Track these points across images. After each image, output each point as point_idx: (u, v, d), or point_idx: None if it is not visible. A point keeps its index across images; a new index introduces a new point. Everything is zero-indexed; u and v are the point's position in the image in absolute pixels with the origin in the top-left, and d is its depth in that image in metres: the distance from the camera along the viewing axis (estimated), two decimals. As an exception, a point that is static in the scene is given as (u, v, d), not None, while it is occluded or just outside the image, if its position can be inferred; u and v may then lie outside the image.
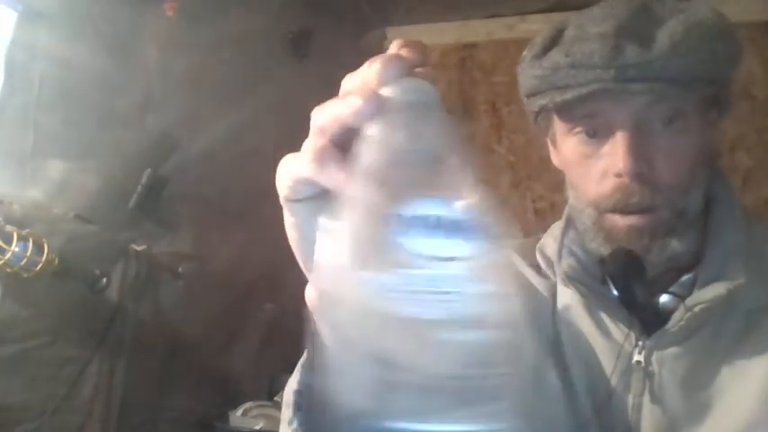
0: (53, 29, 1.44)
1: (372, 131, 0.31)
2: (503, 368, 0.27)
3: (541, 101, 0.71)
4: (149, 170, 1.61)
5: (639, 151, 0.66)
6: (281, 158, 0.36)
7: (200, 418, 1.75)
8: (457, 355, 0.27)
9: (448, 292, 0.27)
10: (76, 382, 1.44)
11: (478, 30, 2.42)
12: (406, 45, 0.34)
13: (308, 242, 0.36)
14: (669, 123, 0.67)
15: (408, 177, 0.30)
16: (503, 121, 2.36)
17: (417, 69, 0.33)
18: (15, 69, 1.39)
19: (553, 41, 0.71)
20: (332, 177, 0.32)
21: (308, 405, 0.45)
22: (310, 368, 0.45)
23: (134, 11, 1.59)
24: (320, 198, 0.34)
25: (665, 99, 0.66)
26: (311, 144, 0.34)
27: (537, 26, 2.25)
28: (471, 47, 2.43)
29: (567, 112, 0.71)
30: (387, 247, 0.28)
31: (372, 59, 0.33)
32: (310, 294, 0.41)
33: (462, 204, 0.29)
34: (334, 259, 0.30)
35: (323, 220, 0.31)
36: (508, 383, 0.27)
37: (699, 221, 0.71)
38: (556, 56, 0.68)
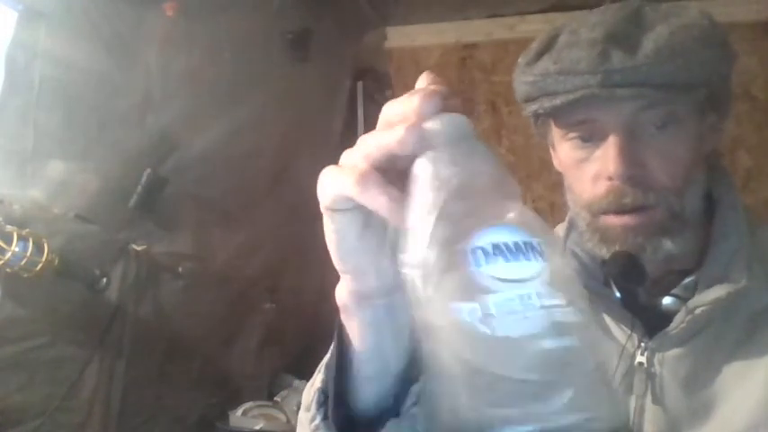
0: (53, 29, 1.43)
1: (424, 169, 0.34)
2: (582, 366, 0.30)
3: (533, 107, 0.72)
4: (149, 170, 1.61)
5: (631, 155, 0.66)
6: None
7: (200, 418, 1.75)
8: (544, 361, 0.29)
9: (530, 309, 0.30)
10: (76, 382, 1.44)
11: (478, 30, 2.42)
12: (435, 80, 0.38)
13: (346, 246, 0.40)
14: (662, 127, 0.67)
15: (467, 208, 0.33)
16: (503, 121, 2.36)
17: (449, 102, 0.36)
18: (15, 69, 1.39)
19: (546, 47, 0.72)
20: (374, 200, 0.36)
21: (333, 402, 0.46)
22: (336, 368, 0.46)
23: (134, 11, 1.59)
24: (358, 209, 0.38)
25: (654, 103, 0.66)
26: (353, 163, 0.38)
27: (537, 26, 2.25)
28: (471, 47, 2.43)
29: (560, 117, 0.72)
30: (466, 277, 0.31)
31: (412, 92, 0.36)
32: (341, 294, 0.42)
33: (517, 226, 0.32)
34: (421, 294, 0.33)
35: (403, 259, 0.34)
36: (586, 379, 0.30)
37: (700, 223, 0.71)
38: (545, 63, 0.69)
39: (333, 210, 0.39)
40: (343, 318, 0.44)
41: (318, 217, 0.41)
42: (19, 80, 1.40)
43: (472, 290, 0.30)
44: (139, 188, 1.60)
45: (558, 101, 0.67)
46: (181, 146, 1.71)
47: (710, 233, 0.71)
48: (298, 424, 0.52)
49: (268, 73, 1.95)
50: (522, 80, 0.73)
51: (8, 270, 1.24)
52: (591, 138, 0.69)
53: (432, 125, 0.35)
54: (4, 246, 1.22)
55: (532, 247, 0.31)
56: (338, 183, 0.37)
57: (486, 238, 0.31)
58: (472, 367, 0.30)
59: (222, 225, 1.85)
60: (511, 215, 0.33)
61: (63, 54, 1.45)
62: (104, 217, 1.52)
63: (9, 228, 1.25)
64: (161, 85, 1.66)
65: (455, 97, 0.37)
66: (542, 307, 0.30)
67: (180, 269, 1.70)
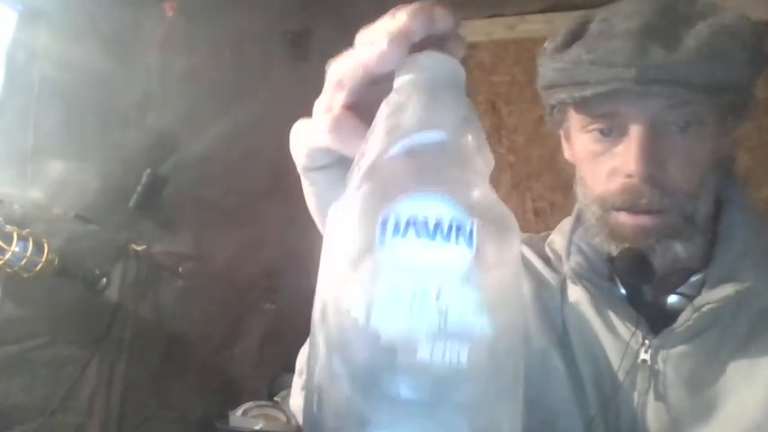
0: (53, 29, 1.44)
1: (388, 103, 0.29)
2: (464, 392, 0.24)
3: (560, 95, 0.69)
4: (149, 170, 1.61)
5: (653, 154, 0.65)
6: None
7: (201, 418, 1.75)
8: (412, 373, 0.24)
9: (420, 306, 0.24)
10: (76, 382, 1.44)
11: (478, 30, 2.42)
12: (432, 7, 0.31)
13: (327, 209, 0.35)
14: (685, 127, 0.66)
15: (411, 166, 0.27)
16: (503, 121, 2.36)
17: (448, 40, 0.31)
18: (15, 69, 1.39)
19: (576, 35, 0.69)
20: (352, 147, 0.30)
21: None
22: None
23: (134, 11, 1.59)
24: (339, 165, 0.33)
25: (683, 103, 0.64)
26: (326, 106, 0.32)
27: (537, 26, 2.25)
28: (471, 47, 2.43)
29: (584, 108, 0.70)
30: (366, 248, 0.25)
31: (395, 9, 0.30)
32: None
33: (450, 199, 0.25)
34: (327, 246, 0.27)
35: (333, 209, 0.28)
36: (463, 410, 0.24)
37: (708, 224, 0.70)
38: (578, 50, 0.67)
39: (309, 169, 0.34)
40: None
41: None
42: (19, 80, 1.40)
43: (367, 264, 0.25)
44: (139, 188, 1.60)
45: (588, 92, 0.65)
46: (181, 146, 1.71)
47: (717, 233, 0.70)
48: (292, 389, 0.51)
49: (268, 73, 1.95)
50: (551, 66, 0.70)
51: (8, 270, 1.24)
52: (611, 131, 0.68)
53: (418, 58, 0.29)
54: (4, 246, 1.22)
55: (460, 229, 0.25)
56: (310, 134, 0.33)
57: (407, 206, 0.25)
58: (339, 350, 0.25)
59: (222, 225, 1.85)
60: (456, 187, 0.26)
61: (63, 54, 1.45)
62: (104, 217, 1.52)
63: (9, 228, 1.25)
64: (161, 85, 1.66)
65: (458, 38, 0.31)
66: (437, 307, 0.24)
67: (180, 269, 1.70)
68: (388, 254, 0.24)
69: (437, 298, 0.24)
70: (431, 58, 0.29)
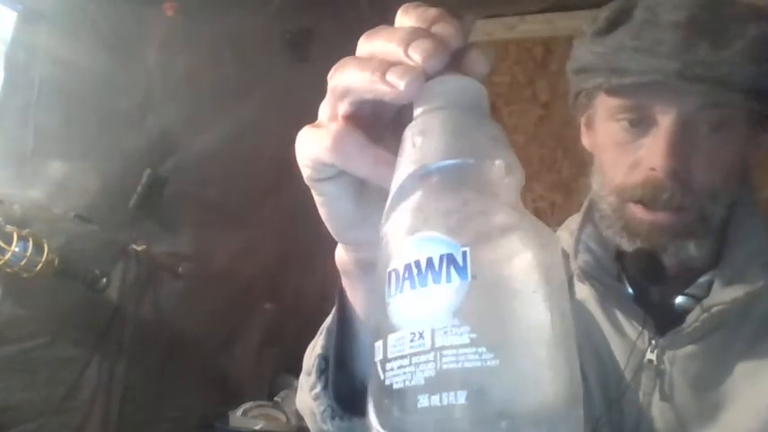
0: (53, 29, 1.43)
1: (407, 139, 0.28)
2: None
3: (596, 79, 0.68)
4: (149, 170, 1.62)
5: (681, 150, 0.63)
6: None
7: (200, 418, 1.75)
8: (417, 423, 0.23)
9: (418, 352, 0.24)
10: (76, 382, 1.44)
11: (478, 30, 2.42)
12: (445, 21, 0.29)
13: (341, 219, 0.34)
14: (717, 129, 0.64)
15: (429, 202, 0.26)
16: (503, 122, 2.36)
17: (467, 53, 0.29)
18: (15, 69, 1.39)
19: (619, 20, 0.67)
20: (356, 165, 0.30)
21: (334, 367, 0.44)
22: (337, 333, 0.44)
23: (134, 11, 1.59)
24: (345, 174, 0.32)
25: (720, 104, 0.63)
26: (330, 113, 0.32)
27: (537, 26, 2.25)
28: (471, 47, 2.43)
29: (618, 95, 0.68)
30: (381, 309, 0.26)
31: (411, 34, 0.28)
32: (342, 259, 0.39)
33: (440, 235, 0.25)
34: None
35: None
36: None
37: (719, 226, 0.70)
38: (621, 36, 0.65)
39: (315, 180, 0.33)
40: (345, 282, 0.41)
41: (319, 216, 0.37)
42: (19, 80, 1.40)
43: (381, 324, 0.25)
44: (139, 188, 1.60)
45: (627, 79, 0.64)
46: (181, 146, 1.71)
47: (727, 234, 0.69)
48: (299, 386, 0.50)
49: (268, 73, 1.95)
50: (590, 49, 0.68)
51: (8, 270, 1.24)
52: (640, 123, 0.66)
53: (433, 86, 0.28)
54: (4, 246, 1.22)
55: (452, 263, 0.24)
56: (313, 147, 0.31)
57: (404, 256, 0.25)
58: (371, 394, 0.26)
59: (222, 225, 1.85)
60: (460, 218, 0.25)
61: (63, 54, 1.45)
62: (104, 217, 1.52)
63: (9, 228, 1.25)
64: (161, 85, 1.66)
65: (477, 52, 0.29)
66: (432, 349, 0.23)
67: (180, 269, 1.70)
68: (392, 312, 0.25)
69: (432, 342, 0.23)
70: (448, 83, 0.28)
